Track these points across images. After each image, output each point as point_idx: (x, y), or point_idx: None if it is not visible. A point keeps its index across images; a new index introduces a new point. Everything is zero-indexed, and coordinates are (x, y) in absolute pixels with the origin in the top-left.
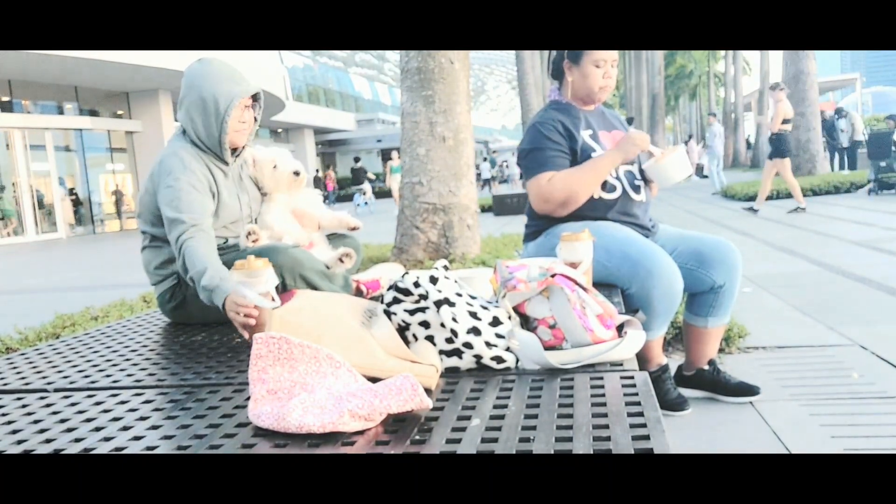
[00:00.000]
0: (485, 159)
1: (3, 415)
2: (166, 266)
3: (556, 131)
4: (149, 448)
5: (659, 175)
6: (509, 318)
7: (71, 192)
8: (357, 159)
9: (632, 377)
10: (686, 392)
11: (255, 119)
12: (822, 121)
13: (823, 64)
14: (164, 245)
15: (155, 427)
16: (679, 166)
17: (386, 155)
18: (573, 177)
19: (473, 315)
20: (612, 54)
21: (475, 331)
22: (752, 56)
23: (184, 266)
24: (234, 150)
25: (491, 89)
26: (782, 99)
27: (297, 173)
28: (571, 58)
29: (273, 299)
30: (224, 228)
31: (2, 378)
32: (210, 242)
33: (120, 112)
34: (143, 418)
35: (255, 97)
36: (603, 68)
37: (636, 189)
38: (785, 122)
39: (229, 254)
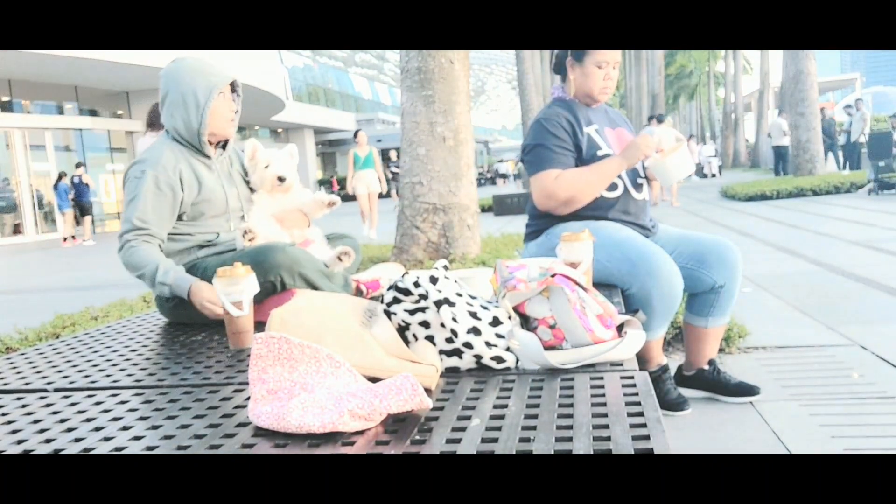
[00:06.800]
0: None
1: (3, 415)
2: None
3: (561, 127)
4: (149, 448)
5: (661, 173)
6: (509, 318)
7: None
8: None
9: (632, 377)
10: (686, 392)
11: (236, 111)
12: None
13: (823, 64)
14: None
15: (155, 427)
16: (682, 165)
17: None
18: (579, 178)
19: (473, 315)
20: (615, 56)
21: (475, 331)
22: (752, 56)
23: (128, 262)
24: (222, 145)
25: (491, 89)
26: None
27: (281, 179)
28: (575, 56)
29: (241, 308)
30: (213, 220)
31: (2, 378)
32: (155, 247)
33: (120, 112)
34: (143, 418)
35: (234, 88)
36: (605, 69)
37: (638, 187)
38: None
39: (225, 254)
